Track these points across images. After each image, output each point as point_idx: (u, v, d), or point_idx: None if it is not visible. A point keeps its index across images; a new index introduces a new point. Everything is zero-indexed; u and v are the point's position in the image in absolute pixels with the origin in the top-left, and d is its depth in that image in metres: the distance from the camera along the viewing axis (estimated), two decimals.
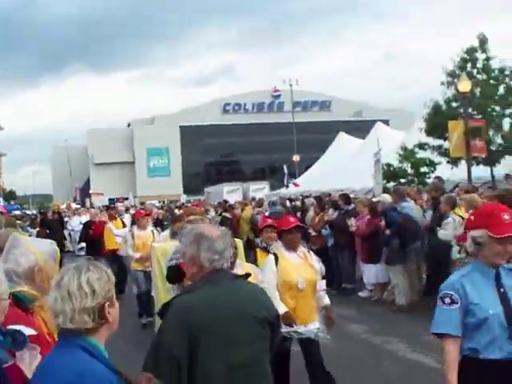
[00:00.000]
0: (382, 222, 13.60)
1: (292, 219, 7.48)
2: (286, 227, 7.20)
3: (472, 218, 4.66)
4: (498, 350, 4.18)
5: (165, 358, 3.77)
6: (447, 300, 4.26)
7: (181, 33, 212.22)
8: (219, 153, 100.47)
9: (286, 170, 47.91)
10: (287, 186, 44.10)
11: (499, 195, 11.70)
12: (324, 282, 7.49)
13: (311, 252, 7.57)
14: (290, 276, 7.02)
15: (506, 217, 4.30)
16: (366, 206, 14.63)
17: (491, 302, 4.22)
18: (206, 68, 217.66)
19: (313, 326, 7.09)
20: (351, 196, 19.03)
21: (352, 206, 15.67)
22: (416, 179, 24.82)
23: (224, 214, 23.84)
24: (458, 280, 4.31)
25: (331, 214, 16.17)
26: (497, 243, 4.24)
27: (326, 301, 7.48)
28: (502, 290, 4.26)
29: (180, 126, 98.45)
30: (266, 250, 7.94)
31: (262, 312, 4.01)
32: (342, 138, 44.69)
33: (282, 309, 6.68)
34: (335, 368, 7.33)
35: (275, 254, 7.19)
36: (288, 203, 23.24)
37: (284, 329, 6.30)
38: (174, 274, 7.43)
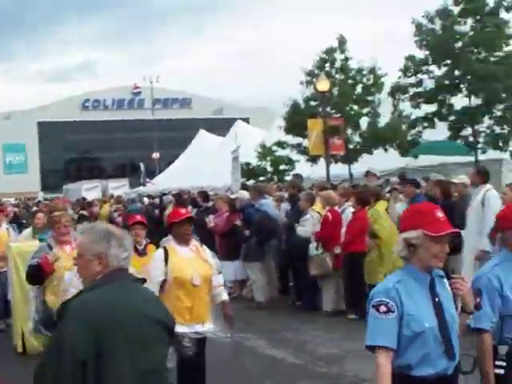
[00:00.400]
0: (240, 219, 13.43)
1: (183, 211, 7.08)
2: (176, 219, 6.70)
3: (403, 218, 4.17)
4: (431, 366, 3.80)
5: (68, 363, 3.37)
6: (382, 308, 3.78)
7: (40, 28, 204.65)
8: (79, 149, 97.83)
9: (142, 168, 47.19)
10: (144, 184, 43.51)
11: (355, 192, 11.82)
12: (221, 276, 7.16)
13: (204, 246, 7.05)
14: (183, 272, 6.51)
15: (440, 214, 3.96)
16: (225, 202, 14.43)
17: (427, 313, 3.82)
18: (66, 64, 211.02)
19: (211, 325, 6.71)
20: (212, 193, 18.83)
21: (211, 203, 15.43)
22: (275, 177, 24.93)
23: (81, 211, 23.03)
24: (393, 286, 3.84)
25: (190, 210, 15.83)
26: (433, 243, 3.84)
27: (225, 297, 7.11)
28: (436, 299, 3.88)
29: (38, 122, 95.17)
30: (135, 249, 7.40)
31: (162, 316, 3.80)
32: (203, 135, 44.58)
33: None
34: None
35: (165, 248, 6.70)
36: (147, 200, 22.68)
37: (180, 329, 5.98)
38: (35, 274, 7.04)
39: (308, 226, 11.81)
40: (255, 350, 10.06)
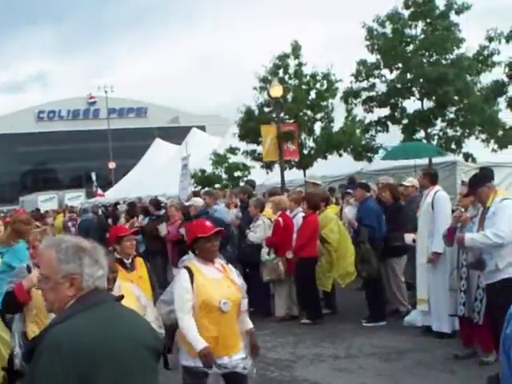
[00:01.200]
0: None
1: (209, 223, 6.02)
2: (204, 233, 5.72)
3: None
4: None
5: None
6: None
7: None
8: (34, 161, 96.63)
9: (94, 178, 46.70)
10: (95, 194, 43.15)
11: (305, 197, 11.72)
12: (246, 301, 6.18)
13: (229, 264, 6.23)
14: (210, 296, 5.60)
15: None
16: (178, 210, 14.21)
17: None
18: (18, 75, 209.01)
19: (238, 356, 5.74)
20: (167, 201, 18.59)
21: (163, 211, 15.18)
22: (230, 184, 24.79)
23: (35, 223, 22.56)
24: None
25: (142, 219, 15.58)
26: None
27: (250, 324, 6.17)
28: None
29: None
30: (123, 264, 6.73)
31: (151, 340, 3.27)
32: (158, 144, 44.43)
33: (199, 345, 5.44)
34: None
35: (188, 268, 5.72)
36: (100, 210, 22.37)
37: (200, 363, 5.41)
38: (10, 303, 6.22)
39: (259, 232, 11.66)
40: None
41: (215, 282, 5.68)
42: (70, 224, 22.13)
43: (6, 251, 7.82)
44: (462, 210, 8.40)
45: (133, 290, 5.76)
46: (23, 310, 6.22)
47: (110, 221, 19.39)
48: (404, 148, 17.77)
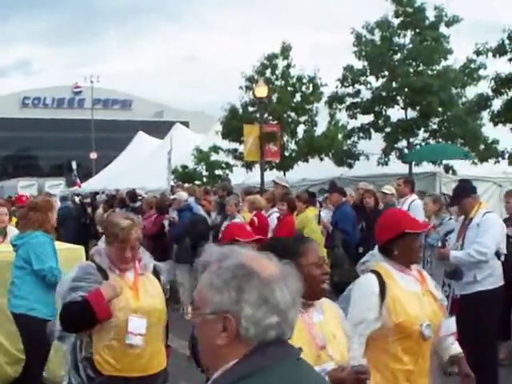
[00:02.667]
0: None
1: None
2: (414, 229, 4.25)
3: None
4: None
5: None
6: None
7: None
8: (16, 147, 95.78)
9: (74, 166, 46.37)
10: (74, 183, 42.86)
11: (285, 197, 11.69)
12: (453, 320, 4.68)
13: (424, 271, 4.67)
14: (410, 316, 4.08)
15: None
16: (151, 205, 14.14)
17: None
18: (4, 60, 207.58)
19: None
20: (144, 194, 18.51)
21: (139, 203, 15.10)
22: (210, 181, 24.73)
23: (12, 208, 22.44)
24: None
25: (118, 211, 15.48)
26: None
27: (458, 349, 4.51)
28: None
29: None
30: None
31: None
32: (141, 137, 44.24)
33: None
34: None
35: (377, 273, 4.20)
36: (77, 199, 22.21)
37: None
38: (79, 318, 4.37)
39: None
40: (176, 350, 9.80)
41: (415, 296, 4.17)
42: None
43: (21, 244, 6.67)
44: (426, 220, 8.46)
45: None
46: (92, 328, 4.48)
47: (89, 210, 19.36)
48: (430, 149, 17.74)
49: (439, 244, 7.95)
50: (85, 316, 4.33)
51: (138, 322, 4.56)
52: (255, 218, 11.35)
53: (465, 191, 7.61)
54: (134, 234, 4.61)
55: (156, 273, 5.03)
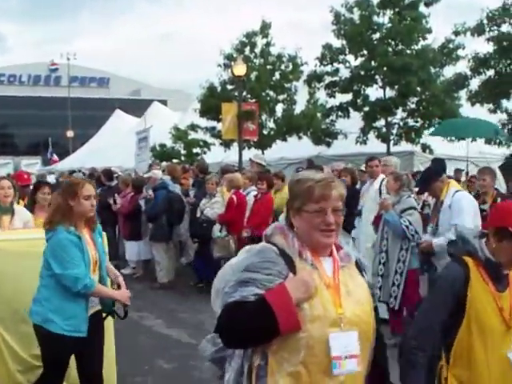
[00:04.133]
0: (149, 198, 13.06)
1: None
2: None
3: None
4: None
5: None
6: None
7: None
8: None
9: (50, 144, 46.05)
10: (50, 160, 42.55)
11: (264, 175, 11.66)
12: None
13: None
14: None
15: None
16: (127, 183, 14.04)
17: None
18: None
19: None
20: (120, 173, 18.39)
21: (115, 182, 15.01)
22: (189, 160, 24.65)
23: None
24: None
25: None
26: None
27: None
28: None
29: None
30: None
31: None
32: (118, 115, 44.03)
33: None
34: None
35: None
36: (53, 178, 22.01)
37: None
38: (248, 324, 2.80)
39: (217, 208, 11.59)
40: (151, 328, 9.86)
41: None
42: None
43: (47, 238, 5.27)
44: (386, 196, 8.51)
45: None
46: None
47: None
48: (456, 124, 16.53)
49: (395, 219, 7.98)
50: (261, 324, 2.78)
51: (345, 339, 2.90)
52: (234, 197, 11.31)
53: (432, 176, 7.59)
54: (336, 193, 2.96)
55: (358, 267, 3.19)
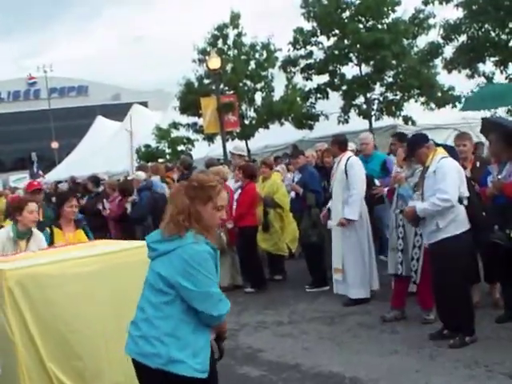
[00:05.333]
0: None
1: None
2: None
3: None
4: None
5: None
6: None
7: None
8: None
9: (34, 158, 45.84)
10: (36, 175, 42.32)
11: (241, 166, 11.66)
12: None
13: None
14: None
15: None
16: (114, 187, 14.01)
17: None
18: None
19: None
20: (106, 178, 18.38)
21: (102, 188, 14.98)
22: (174, 158, 24.66)
23: None
24: None
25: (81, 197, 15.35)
26: None
27: None
28: None
29: None
30: None
31: None
32: (100, 121, 43.97)
33: None
34: None
35: None
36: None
37: None
38: None
39: None
40: None
41: None
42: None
43: (166, 250, 4.06)
44: (399, 169, 8.43)
45: None
46: None
47: (53, 200, 19.15)
48: (486, 94, 14.98)
49: (410, 194, 7.96)
50: None
51: None
52: None
53: (417, 142, 7.57)
54: None
55: None
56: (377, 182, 10.06)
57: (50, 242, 7.22)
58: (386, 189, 9.15)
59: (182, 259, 3.82)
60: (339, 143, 9.88)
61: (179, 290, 3.84)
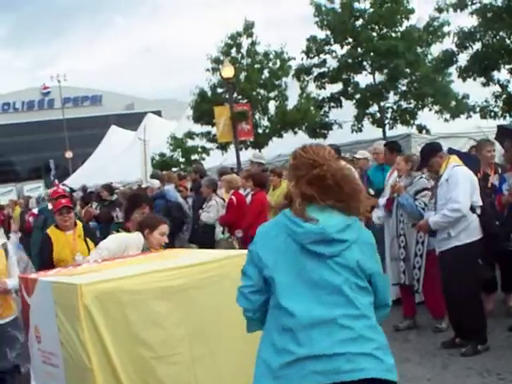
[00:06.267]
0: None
1: None
2: None
3: None
4: None
5: None
6: None
7: None
8: None
9: (52, 165, 46.13)
10: (52, 184, 42.50)
11: (251, 174, 11.66)
12: None
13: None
14: None
15: None
16: (126, 197, 14.03)
17: None
18: None
19: None
20: (120, 186, 18.41)
21: (115, 196, 15.01)
22: (187, 167, 24.71)
23: None
24: None
25: (95, 206, 15.40)
26: None
27: None
28: None
29: None
30: None
31: None
32: (114, 131, 44.13)
33: None
34: None
35: None
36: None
37: None
38: None
39: (212, 212, 11.56)
40: None
41: None
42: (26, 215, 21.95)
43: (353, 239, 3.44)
44: (398, 179, 8.41)
45: None
46: None
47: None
48: None
49: (410, 202, 7.92)
50: None
51: None
52: (233, 197, 11.29)
53: (431, 152, 7.55)
54: None
55: None
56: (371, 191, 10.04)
57: None
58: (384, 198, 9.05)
59: (369, 244, 3.42)
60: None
61: (375, 280, 3.39)
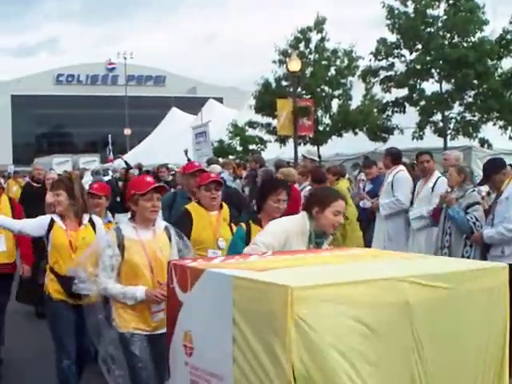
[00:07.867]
0: None
1: None
2: None
3: None
4: None
5: None
6: None
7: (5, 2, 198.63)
8: (51, 124, 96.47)
9: (110, 141, 46.65)
10: (107, 159, 42.98)
11: (311, 170, 11.71)
12: None
13: None
14: None
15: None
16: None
17: None
18: (35, 38, 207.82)
19: None
20: (176, 168, 18.63)
21: (171, 177, 15.23)
22: (244, 156, 24.85)
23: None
24: None
25: None
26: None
27: None
28: None
29: (11, 95, 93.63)
30: None
31: None
32: (175, 113, 44.44)
33: None
34: None
35: None
36: (111, 173, 22.36)
37: None
38: None
39: None
40: None
41: None
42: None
43: None
44: (449, 190, 8.31)
45: None
46: None
47: (120, 185, 19.45)
48: None
49: (461, 216, 7.84)
50: None
51: None
52: None
53: (494, 168, 7.49)
54: None
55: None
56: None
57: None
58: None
59: None
60: (392, 155, 9.91)
61: None
